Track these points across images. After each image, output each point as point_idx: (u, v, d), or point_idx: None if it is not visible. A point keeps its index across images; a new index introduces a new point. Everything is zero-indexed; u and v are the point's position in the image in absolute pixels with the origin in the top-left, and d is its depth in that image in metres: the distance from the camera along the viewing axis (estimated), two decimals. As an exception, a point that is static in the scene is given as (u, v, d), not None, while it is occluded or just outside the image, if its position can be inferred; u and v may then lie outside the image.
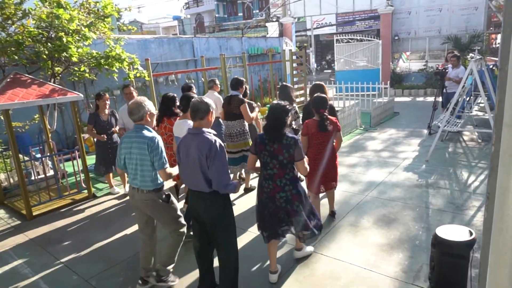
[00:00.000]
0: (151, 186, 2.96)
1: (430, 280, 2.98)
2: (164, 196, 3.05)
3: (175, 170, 3.03)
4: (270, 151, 2.94)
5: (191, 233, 3.43)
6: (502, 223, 1.04)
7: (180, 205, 3.59)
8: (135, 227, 4.20)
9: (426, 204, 4.52)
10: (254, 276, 3.33)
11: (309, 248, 3.60)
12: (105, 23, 6.22)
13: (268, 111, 3.02)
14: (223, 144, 2.69)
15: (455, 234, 2.81)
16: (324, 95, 3.95)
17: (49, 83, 5.36)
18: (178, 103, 4.36)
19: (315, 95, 3.96)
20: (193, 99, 2.79)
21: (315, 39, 24.70)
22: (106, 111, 5.46)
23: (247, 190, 5.32)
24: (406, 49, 15.92)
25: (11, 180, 5.83)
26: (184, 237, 3.22)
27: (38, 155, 5.90)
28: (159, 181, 2.99)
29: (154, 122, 3.14)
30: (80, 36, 5.65)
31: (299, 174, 3.21)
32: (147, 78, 7.01)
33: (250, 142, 5.23)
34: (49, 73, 5.97)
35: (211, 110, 2.74)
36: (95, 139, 5.69)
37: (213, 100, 5.33)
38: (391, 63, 15.70)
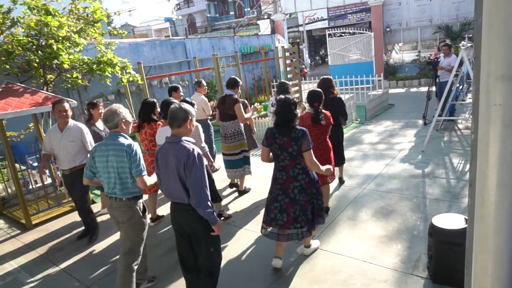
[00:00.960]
0: (131, 194, 2.91)
1: (428, 269, 3.01)
2: (142, 206, 3.02)
3: (152, 179, 2.95)
4: (280, 144, 3.02)
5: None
6: (483, 208, 1.06)
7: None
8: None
9: (423, 194, 4.55)
10: (254, 273, 3.34)
11: (315, 243, 3.63)
12: (95, 28, 6.22)
13: (277, 106, 3.07)
14: (201, 153, 2.58)
15: (451, 222, 2.84)
16: (319, 90, 4.04)
17: (42, 91, 5.35)
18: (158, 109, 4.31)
19: (310, 90, 4.06)
20: (171, 106, 2.68)
21: (307, 34, 24.66)
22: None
23: (241, 192, 5.26)
24: (399, 40, 15.91)
25: (9, 190, 5.83)
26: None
27: (35, 164, 5.90)
28: (137, 189, 2.94)
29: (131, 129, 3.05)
30: (71, 42, 5.65)
31: None
32: (140, 82, 7.00)
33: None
34: (41, 81, 5.96)
35: (189, 118, 2.62)
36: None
37: (198, 102, 5.33)
38: (384, 55, 15.70)
